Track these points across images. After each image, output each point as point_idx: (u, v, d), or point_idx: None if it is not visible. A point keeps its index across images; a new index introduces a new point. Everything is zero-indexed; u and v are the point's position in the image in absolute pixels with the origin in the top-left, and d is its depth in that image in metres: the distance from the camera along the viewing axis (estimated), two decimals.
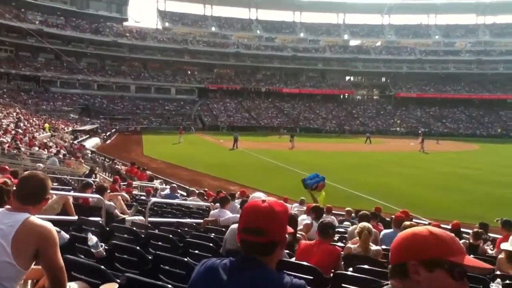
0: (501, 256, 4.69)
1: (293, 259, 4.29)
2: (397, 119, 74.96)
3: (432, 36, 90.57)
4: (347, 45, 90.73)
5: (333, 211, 9.97)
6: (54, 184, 11.67)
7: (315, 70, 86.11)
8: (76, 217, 5.84)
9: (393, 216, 7.41)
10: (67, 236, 4.21)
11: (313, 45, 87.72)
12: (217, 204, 8.36)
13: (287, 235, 1.68)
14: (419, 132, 59.14)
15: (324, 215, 8.59)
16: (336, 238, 7.04)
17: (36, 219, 2.36)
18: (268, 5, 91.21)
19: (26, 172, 2.84)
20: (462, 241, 6.79)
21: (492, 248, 6.87)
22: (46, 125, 36.71)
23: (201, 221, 7.41)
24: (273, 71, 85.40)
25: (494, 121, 74.82)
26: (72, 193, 8.03)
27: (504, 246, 4.61)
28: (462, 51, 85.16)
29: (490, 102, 78.30)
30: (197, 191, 11.79)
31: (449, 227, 7.77)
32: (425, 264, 1.37)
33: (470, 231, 7.16)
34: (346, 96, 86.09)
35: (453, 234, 1.46)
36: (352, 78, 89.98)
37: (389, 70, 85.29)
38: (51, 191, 6.23)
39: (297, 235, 5.22)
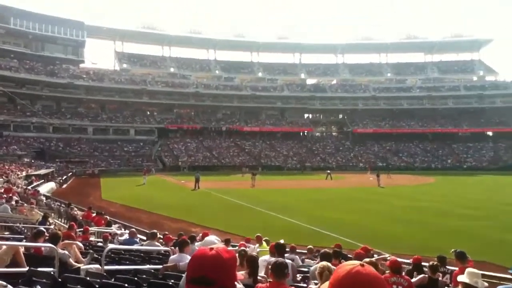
0: None
1: None
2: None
3: (384, 73, 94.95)
4: (304, 84, 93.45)
5: (297, 250, 9.91)
6: (5, 233, 11.10)
7: (275, 108, 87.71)
8: (26, 268, 5.54)
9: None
10: None
11: (271, 84, 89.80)
12: (177, 248, 8.12)
13: (236, 283, 1.64)
14: (367, 166, 62.16)
15: (287, 254, 8.51)
16: (298, 278, 6.96)
17: None
18: (226, 46, 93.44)
19: None
20: (422, 275, 6.84)
21: (450, 283, 6.93)
22: None
23: (161, 267, 7.17)
24: (233, 110, 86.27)
25: (448, 154, 77.93)
26: (22, 242, 7.64)
27: (460, 278, 4.65)
28: (413, 88, 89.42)
29: (442, 136, 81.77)
30: (158, 234, 11.38)
31: (410, 261, 7.82)
32: None
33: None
34: (305, 133, 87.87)
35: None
36: (310, 116, 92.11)
37: (345, 107, 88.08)
38: (0, 242, 5.91)
39: (259, 277, 5.07)
